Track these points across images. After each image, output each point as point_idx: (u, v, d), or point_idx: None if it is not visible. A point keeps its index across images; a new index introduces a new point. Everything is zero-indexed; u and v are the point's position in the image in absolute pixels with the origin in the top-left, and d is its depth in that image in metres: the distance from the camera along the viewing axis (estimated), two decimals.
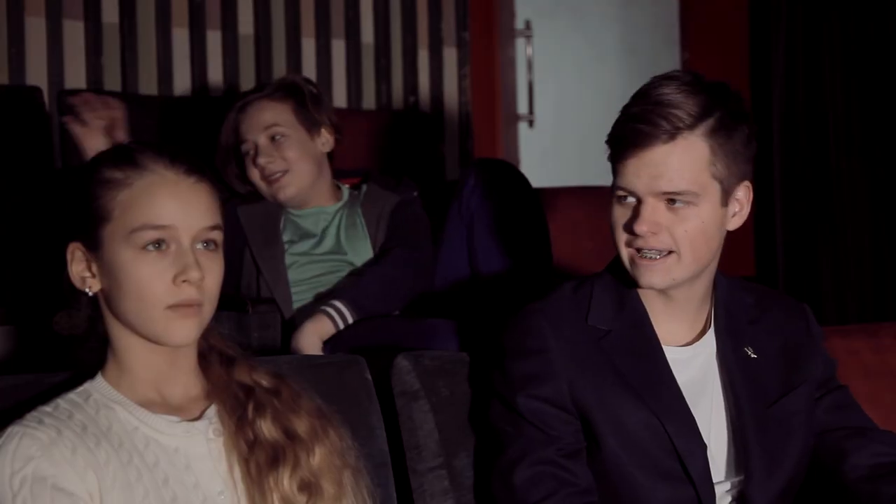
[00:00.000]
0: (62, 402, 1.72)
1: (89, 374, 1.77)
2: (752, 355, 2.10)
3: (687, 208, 1.98)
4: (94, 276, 1.72)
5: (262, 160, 2.93)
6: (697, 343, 2.10)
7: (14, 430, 1.65)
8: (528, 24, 4.74)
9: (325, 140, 3.02)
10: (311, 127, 3.00)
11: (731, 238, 2.12)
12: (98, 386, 1.74)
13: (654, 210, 1.98)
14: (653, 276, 2.01)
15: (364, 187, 3.05)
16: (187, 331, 1.71)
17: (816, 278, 4.26)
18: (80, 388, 1.75)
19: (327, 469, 1.81)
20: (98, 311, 1.75)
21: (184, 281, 1.69)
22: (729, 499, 2.08)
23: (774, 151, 4.33)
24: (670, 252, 1.99)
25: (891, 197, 4.18)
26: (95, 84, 3.68)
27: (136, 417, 1.72)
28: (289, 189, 2.95)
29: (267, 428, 1.78)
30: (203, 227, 1.72)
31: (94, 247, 1.71)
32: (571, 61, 4.94)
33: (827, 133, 4.26)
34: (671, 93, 1.98)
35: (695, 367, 2.09)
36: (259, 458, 1.76)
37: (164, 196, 1.71)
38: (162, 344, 1.72)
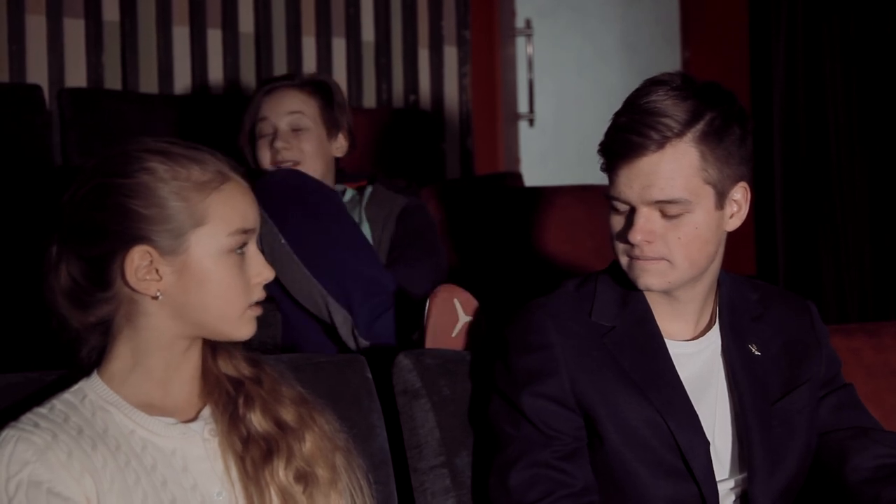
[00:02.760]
0: (58, 403, 1.71)
1: (84, 373, 1.76)
2: (756, 352, 2.10)
3: (681, 215, 1.98)
4: (160, 278, 1.70)
5: (279, 144, 2.91)
6: (702, 339, 2.10)
7: (9, 433, 1.65)
8: (528, 23, 4.74)
9: (340, 145, 3.01)
10: (332, 128, 2.98)
11: (732, 238, 2.12)
12: (94, 386, 1.73)
13: (647, 219, 1.99)
14: (649, 278, 2.01)
15: (369, 189, 3.03)
16: (255, 327, 1.77)
17: (817, 278, 4.26)
18: (76, 387, 1.73)
19: (319, 454, 1.82)
20: (128, 311, 1.72)
21: (259, 282, 1.75)
22: (733, 497, 2.08)
23: (774, 151, 4.33)
24: (663, 259, 2.00)
25: (891, 196, 4.18)
26: (96, 82, 3.68)
27: (132, 420, 1.72)
28: None
29: (258, 420, 1.79)
30: (258, 231, 1.78)
31: (171, 250, 1.70)
32: (572, 60, 4.94)
33: (827, 133, 4.25)
34: (659, 100, 1.98)
35: (699, 362, 2.09)
36: (254, 455, 1.76)
37: (246, 201, 1.75)
38: (231, 340, 1.77)
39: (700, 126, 1.97)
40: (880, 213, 4.20)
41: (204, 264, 1.71)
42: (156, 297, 1.70)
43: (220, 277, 1.72)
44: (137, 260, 1.69)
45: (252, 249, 1.75)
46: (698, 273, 2.04)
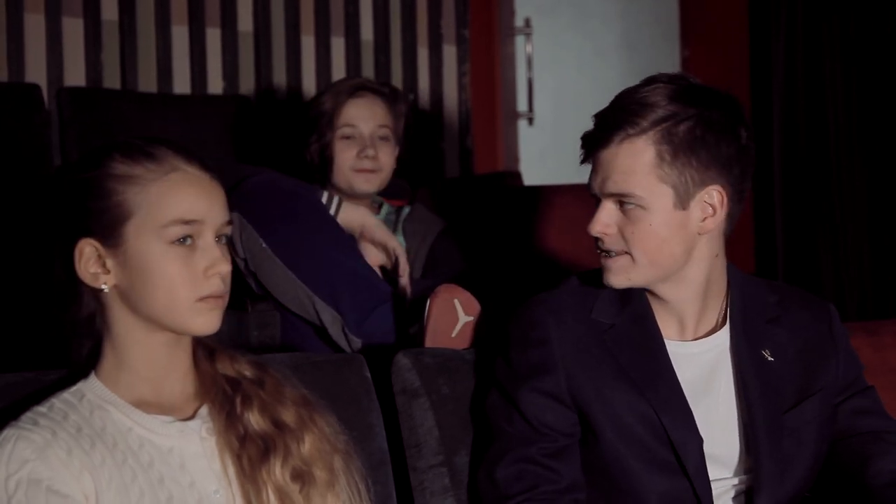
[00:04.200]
0: (57, 401, 1.72)
1: (83, 373, 1.77)
2: (769, 358, 2.09)
3: (636, 210, 2.01)
4: (108, 271, 1.72)
5: (370, 152, 3.00)
6: (705, 339, 2.10)
7: (9, 432, 1.65)
8: (527, 22, 4.74)
9: (395, 155, 3.08)
10: (398, 141, 3.09)
11: (731, 237, 2.11)
12: (92, 386, 1.74)
13: (607, 212, 2.02)
14: (609, 275, 2.05)
15: (407, 208, 3.11)
16: (215, 321, 1.74)
17: (816, 277, 4.26)
18: (74, 388, 1.74)
19: (318, 456, 1.82)
20: (100, 307, 1.74)
21: (213, 274, 1.72)
22: (733, 493, 2.09)
23: (774, 151, 4.32)
24: (625, 253, 2.02)
25: (891, 196, 4.18)
26: (95, 81, 3.67)
27: (129, 418, 1.72)
28: (370, 187, 3.01)
29: (255, 420, 1.79)
30: (223, 222, 1.76)
31: (112, 243, 1.71)
32: (571, 58, 4.94)
33: (827, 133, 4.25)
34: (637, 98, 2.01)
35: (701, 362, 2.09)
36: (250, 452, 1.76)
37: (191, 192, 1.73)
38: (188, 334, 1.75)
39: (665, 127, 1.99)
40: (879, 212, 4.20)
41: (145, 255, 1.71)
42: (101, 290, 1.72)
43: (162, 269, 1.71)
44: (87, 253, 1.72)
45: (206, 241, 1.73)
46: (663, 272, 2.04)
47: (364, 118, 3.03)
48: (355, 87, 3.07)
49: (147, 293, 1.71)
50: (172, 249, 1.71)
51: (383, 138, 3.03)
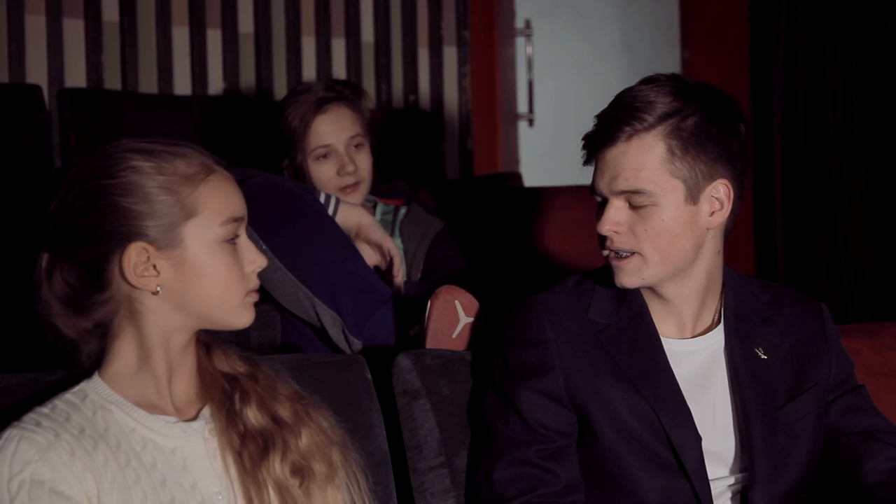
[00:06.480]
0: (59, 402, 1.71)
1: (85, 374, 1.76)
2: (763, 356, 2.10)
3: (647, 207, 2.00)
4: (158, 273, 1.71)
5: (350, 168, 2.91)
6: (701, 338, 2.11)
7: (12, 433, 1.65)
8: (528, 23, 4.75)
9: (371, 154, 3.01)
10: (369, 136, 3.00)
11: (731, 238, 2.12)
12: (95, 386, 1.74)
13: (617, 210, 2.02)
14: (622, 276, 2.04)
15: (404, 209, 3.05)
16: (254, 315, 1.78)
17: (816, 278, 4.26)
18: (77, 388, 1.74)
19: (316, 450, 1.83)
20: (127, 310, 1.73)
21: (254, 269, 1.76)
22: (730, 493, 2.09)
23: (774, 152, 4.33)
24: (635, 253, 2.02)
25: (891, 196, 4.18)
26: (96, 82, 3.68)
27: (133, 418, 1.72)
28: (356, 200, 2.94)
29: (254, 415, 1.80)
30: (247, 219, 1.79)
31: (168, 244, 1.71)
32: (571, 60, 4.95)
33: (827, 133, 4.26)
34: (640, 96, 2.02)
35: (698, 360, 2.10)
36: (251, 449, 1.77)
37: (232, 190, 1.77)
38: (233, 329, 1.77)
39: (672, 121, 2.00)
40: (879, 213, 4.21)
41: (200, 255, 1.72)
42: (156, 293, 1.71)
43: (217, 267, 1.73)
44: (135, 257, 1.70)
45: (244, 238, 1.77)
46: (674, 269, 2.04)
47: (335, 133, 2.94)
48: (319, 102, 2.95)
49: (202, 292, 1.73)
50: (222, 247, 1.73)
51: (358, 146, 2.95)
